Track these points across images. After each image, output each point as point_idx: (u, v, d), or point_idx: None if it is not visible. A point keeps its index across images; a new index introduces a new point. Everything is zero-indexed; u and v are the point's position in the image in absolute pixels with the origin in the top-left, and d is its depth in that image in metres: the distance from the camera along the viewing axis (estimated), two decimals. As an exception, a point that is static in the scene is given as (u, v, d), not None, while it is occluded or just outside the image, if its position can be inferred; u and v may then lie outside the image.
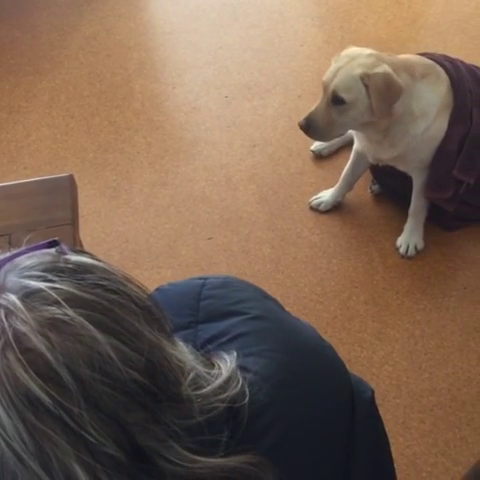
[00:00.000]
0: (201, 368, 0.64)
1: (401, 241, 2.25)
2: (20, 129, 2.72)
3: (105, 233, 2.35)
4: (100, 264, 0.61)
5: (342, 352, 2.01)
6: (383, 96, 1.89)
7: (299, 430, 0.70)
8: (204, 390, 0.62)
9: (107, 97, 2.83)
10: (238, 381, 0.65)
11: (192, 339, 0.74)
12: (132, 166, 2.57)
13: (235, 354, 0.69)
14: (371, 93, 1.88)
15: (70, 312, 0.54)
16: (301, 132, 2.62)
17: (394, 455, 1.82)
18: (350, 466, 0.75)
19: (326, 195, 2.38)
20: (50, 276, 0.57)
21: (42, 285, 0.56)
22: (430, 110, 2.01)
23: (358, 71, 1.90)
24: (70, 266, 0.59)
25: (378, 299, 2.14)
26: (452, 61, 2.12)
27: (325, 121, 1.97)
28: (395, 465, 1.82)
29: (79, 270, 0.59)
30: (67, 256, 0.61)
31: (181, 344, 0.66)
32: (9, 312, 0.53)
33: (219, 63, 2.95)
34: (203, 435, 0.59)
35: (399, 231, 2.27)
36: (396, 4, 3.19)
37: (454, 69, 2.08)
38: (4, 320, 0.53)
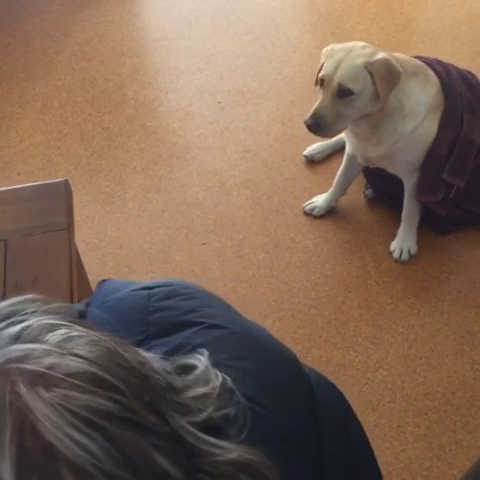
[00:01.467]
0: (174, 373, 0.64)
1: (395, 245, 2.26)
2: (13, 135, 2.71)
3: (99, 239, 2.35)
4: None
5: (337, 356, 2.02)
6: (386, 81, 1.91)
7: (265, 427, 0.70)
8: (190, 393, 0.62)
9: (100, 103, 2.83)
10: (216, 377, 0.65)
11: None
12: (125, 172, 2.57)
13: (206, 353, 0.68)
14: (376, 79, 1.89)
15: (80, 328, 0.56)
16: (294, 138, 2.64)
17: (389, 459, 1.83)
18: (324, 465, 0.75)
19: (320, 200, 2.38)
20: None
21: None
22: (419, 109, 2.03)
23: (361, 60, 1.91)
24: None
25: (372, 303, 2.15)
26: (444, 65, 2.14)
27: (333, 115, 1.95)
28: (390, 469, 1.83)
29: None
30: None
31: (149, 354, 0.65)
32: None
33: (212, 69, 2.96)
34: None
35: (393, 236, 2.28)
36: (388, 10, 3.21)
37: (445, 73, 2.09)
38: (26, 365, 0.53)
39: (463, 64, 2.33)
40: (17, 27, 3.21)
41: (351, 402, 2.02)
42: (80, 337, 0.55)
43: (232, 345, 0.76)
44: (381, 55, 1.93)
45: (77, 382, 0.51)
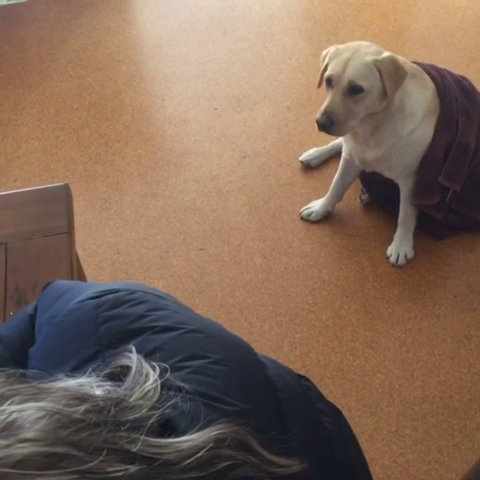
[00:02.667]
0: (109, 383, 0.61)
1: (391, 250, 2.27)
2: (10, 142, 2.72)
3: (96, 245, 2.35)
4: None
5: (334, 361, 2.02)
6: (394, 78, 1.93)
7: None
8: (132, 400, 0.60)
9: (97, 109, 2.84)
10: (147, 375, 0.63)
11: (102, 370, 0.67)
12: (122, 178, 2.57)
13: (134, 349, 0.66)
14: (384, 76, 1.92)
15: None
16: (290, 143, 2.65)
17: (388, 463, 1.83)
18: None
19: (316, 205, 2.39)
20: None
21: None
22: (418, 111, 2.04)
23: (370, 58, 1.93)
24: None
25: (369, 308, 2.15)
26: (439, 70, 2.16)
27: (344, 113, 1.95)
28: (389, 473, 1.83)
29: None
30: None
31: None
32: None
33: (208, 76, 2.97)
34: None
35: (389, 240, 2.29)
36: (382, 17, 3.23)
37: (441, 78, 2.12)
38: None
39: (457, 71, 2.35)
40: (13, 35, 3.22)
41: (349, 406, 2.03)
42: (25, 418, 0.51)
43: (186, 345, 0.74)
44: (387, 53, 1.96)
45: (24, 471, 0.47)
